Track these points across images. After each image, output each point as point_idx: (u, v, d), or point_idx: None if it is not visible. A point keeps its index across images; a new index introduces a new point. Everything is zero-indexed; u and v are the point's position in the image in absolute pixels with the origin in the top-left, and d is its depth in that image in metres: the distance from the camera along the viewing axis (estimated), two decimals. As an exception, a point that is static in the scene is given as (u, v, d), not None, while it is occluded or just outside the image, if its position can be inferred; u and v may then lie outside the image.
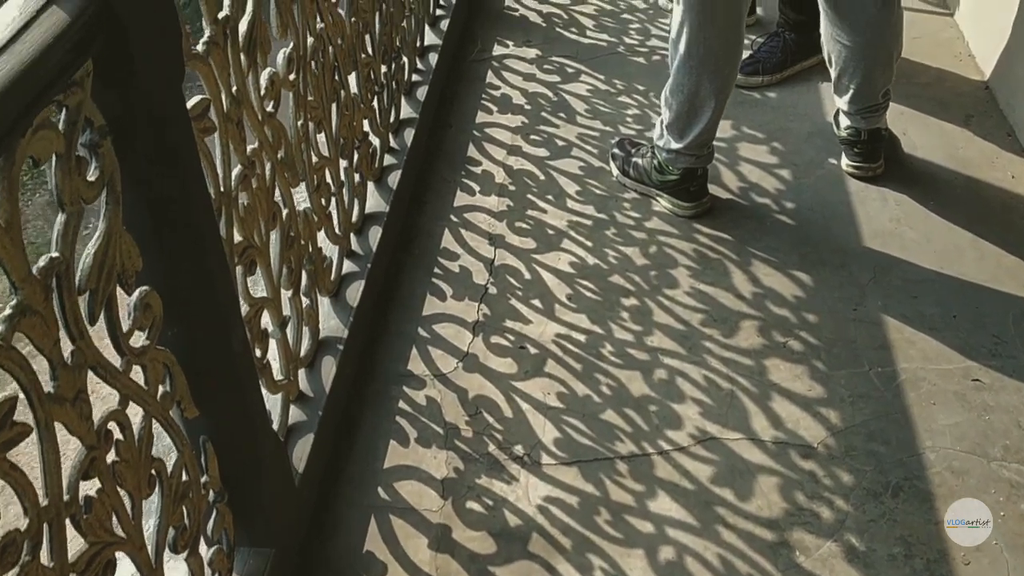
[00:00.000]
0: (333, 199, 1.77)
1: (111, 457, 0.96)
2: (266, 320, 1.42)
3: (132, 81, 0.91)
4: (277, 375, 1.48)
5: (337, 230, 1.79)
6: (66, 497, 0.87)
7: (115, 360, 0.95)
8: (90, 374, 0.90)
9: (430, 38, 2.54)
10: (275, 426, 1.45)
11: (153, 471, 1.05)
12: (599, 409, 1.70)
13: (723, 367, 1.77)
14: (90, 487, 0.93)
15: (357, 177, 1.91)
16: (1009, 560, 1.45)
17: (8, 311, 0.77)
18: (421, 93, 2.34)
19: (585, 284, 1.95)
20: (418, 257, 2.04)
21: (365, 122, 1.97)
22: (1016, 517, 1.51)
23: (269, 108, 1.38)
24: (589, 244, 2.05)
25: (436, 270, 2.00)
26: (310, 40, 1.57)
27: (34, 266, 0.80)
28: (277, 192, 1.43)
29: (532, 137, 2.37)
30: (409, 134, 2.21)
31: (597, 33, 2.77)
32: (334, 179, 1.76)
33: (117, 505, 0.97)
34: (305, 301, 1.60)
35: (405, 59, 2.30)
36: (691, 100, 1.97)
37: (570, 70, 2.61)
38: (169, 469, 1.09)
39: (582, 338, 1.84)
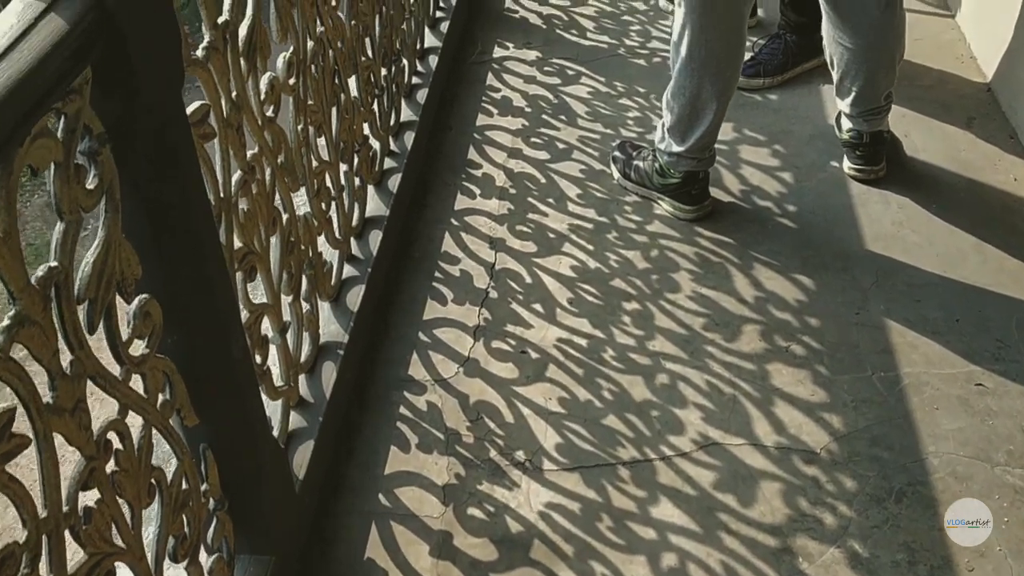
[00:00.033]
0: (333, 203, 1.77)
1: (111, 467, 0.95)
2: (266, 326, 1.41)
3: (131, 88, 0.90)
4: (277, 381, 1.48)
5: (337, 234, 1.79)
6: (65, 508, 0.86)
7: (114, 369, 0.95)
8: (89, 383, 0.89)
9: (430, 40, 2.54)
10: (275, 433, 1.44)
11: (153, 480, 1.04)
12: (601, 414, 1.70)
13: (725, 372, 1.76)
14: (89, 497, 0.92)
15: (357, 181, 1.90)
16: (1013, 567, 1.45)
17: (6, 322, 0.76)
18: (421, 96, 2.34)
19: (586, 288, 1.95)
20: (418, 261, 2.03)
21: (365, 125, 1.96)
22: (1020, 523, 1.50)
23: (269, 113, 1.37)
24: (590, 248, 2.04)
25: (437, 274, 1.99)
26: (310, 44, 1.56)
27: (33, 276, 0.79)
28: (277, 197, 1.43)
29: (533, 140, 2.36)
30: (409, 137, 2.20)
31: (598, 35, 2.76)
32: (334, 183, 1.75)
33: (117, 515, 0.96)
34: (305, 306, 1.60)
35: (405, 61, 2.29)
36: (693, 103, 1.96)
37: (571, 72, 2.60)
38: (169, 478, 1.08)
39: (583, 343, 1.83)
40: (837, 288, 1.92)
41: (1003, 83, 2.38)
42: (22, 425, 0.78)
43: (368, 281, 1.82)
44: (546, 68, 2.62)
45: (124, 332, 0.95)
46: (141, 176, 0.97)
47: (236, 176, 1.26)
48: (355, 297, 1.78)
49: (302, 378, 1.60)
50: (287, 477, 1.43)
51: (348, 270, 1.84)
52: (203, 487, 1.19)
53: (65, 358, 0.85)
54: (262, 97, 1.34)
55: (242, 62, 1.27)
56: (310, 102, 1.58)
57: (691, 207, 2.09)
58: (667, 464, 1.61)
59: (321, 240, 1.70)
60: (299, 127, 1.53)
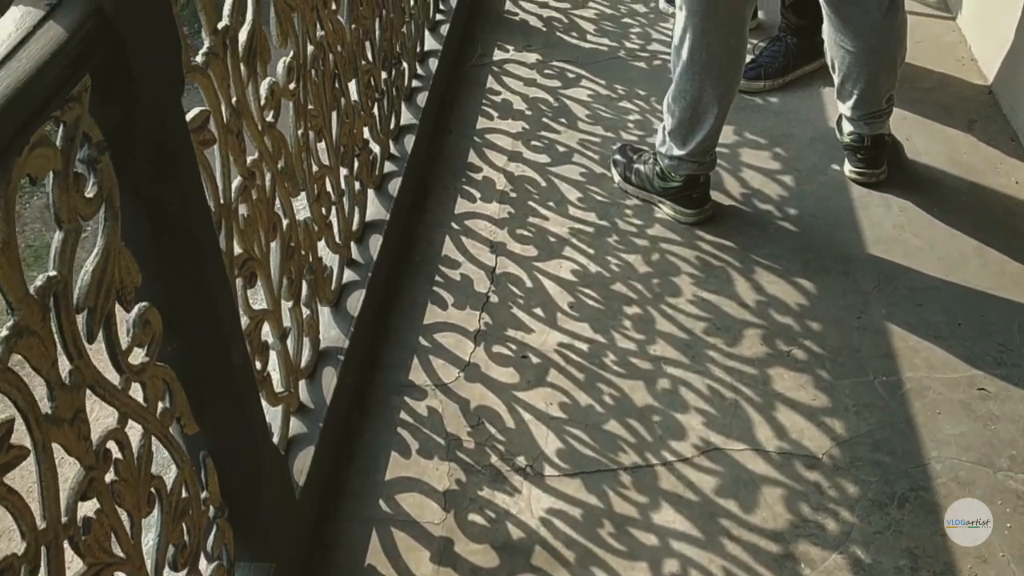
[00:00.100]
0: (333, 208, 1.76)
1: (110, 477, 0.94)
2: (266, 332, 1.41)
3: (131, 95, 0.89)
4: (277, 387, 1.47)
5: (338, 239, 1.78)
6: (64, 519, 0.86)
7: (114, 378, 0.94)
8: (88, 392, 0.88)
9: (430, 43, 2.53)
10: (275, 439, 1.44)
11: (153, 489, 1.03)
12: (602, 419, 1.69)
13: (727, 376, 1.76)
14: (89, 507, 0.91)
15: (357, 185, 1.89)
16: (1016, 572, 1.44)
17: (5, 332, 0.76)
18: (421, 99, 2.33)
19: (587, 292, 1.94)
20: (419, 265, 2.02)
21: (365, 129, 1.96)
22: (1023, 528, 1.50)
23: (269, 118, 1.37)
24: (591, 252, 2.04)
25: (437, 278, 1.99)
26: (310, 48, 1.56)
27: (31, 285, 0.79)
28: (277, 202, 1.42)
29: (533, 143, 2.35)
30: (409, 141, 2.20)
31: (598, 38, 2.75)
32: (334, 188, 1.75)
33: (116, 525, 0.95)
34: (305, 312, 1.59)
35: (405, 65, 2.28)
36: (694, 106, 1.96)
37: (571, 75, 2.60)
38: (169, 486, 1.07)
39: (584, 347, 1.82)
40: (838, 292, 1.92)
41: (1004, 85, 2.37)
42: (21, 436, 0.78)
43: (368, 286, 1.82)
44: (546, 71, 2.62)
45: (124, 340, 0.95)
46: (141, 183, 0.96)
47: (236, 182, 1.26)
48: (355, 302, 1.78)
49: (302, 384, 1.60)
50: (287, 483, 1.42)
51: (348, 275, 1.83)
52: (203, 495, 1.18)
53: (63, 367, 0.84)
54: (262, 102, 1.34)
55: (242, 67, 1.26)
56: (310, 107, 1.57)
57: (692, 211, 2.08)
58: (668, 469, 1.60)
59: (321, 245, 1.69)
60: (299, 132, 1.52)
